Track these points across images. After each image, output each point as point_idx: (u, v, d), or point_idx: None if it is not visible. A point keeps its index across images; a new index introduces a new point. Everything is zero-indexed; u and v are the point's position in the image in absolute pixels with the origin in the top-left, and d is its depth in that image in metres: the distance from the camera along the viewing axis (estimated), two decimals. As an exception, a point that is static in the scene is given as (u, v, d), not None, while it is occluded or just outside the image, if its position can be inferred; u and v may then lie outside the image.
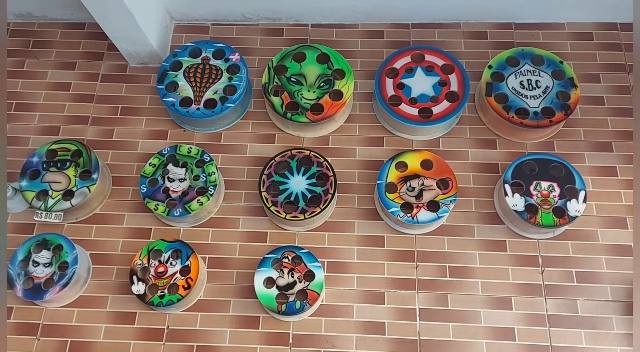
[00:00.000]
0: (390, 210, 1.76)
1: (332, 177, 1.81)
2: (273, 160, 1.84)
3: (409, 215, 1.75)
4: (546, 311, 1.72)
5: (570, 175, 1.78)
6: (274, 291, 1.67)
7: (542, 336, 1.69)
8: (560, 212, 1.74)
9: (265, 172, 1.82)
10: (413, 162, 1.83)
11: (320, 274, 1.69)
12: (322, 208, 1.76)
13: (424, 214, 1.76)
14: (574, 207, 1.73)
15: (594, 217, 1.82)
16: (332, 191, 1.79)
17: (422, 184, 1.80)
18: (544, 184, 1.78)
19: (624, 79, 2.01)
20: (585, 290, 1.74)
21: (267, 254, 1.72)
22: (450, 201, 1.77)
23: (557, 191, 1.76)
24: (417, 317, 1.73)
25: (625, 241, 1.78)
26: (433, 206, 1.77)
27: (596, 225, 1.81)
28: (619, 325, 1.69)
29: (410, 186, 1.80)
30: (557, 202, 1.75)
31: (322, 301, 1.75)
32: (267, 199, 1.78)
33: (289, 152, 1.86)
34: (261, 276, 1.68)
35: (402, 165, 1.83)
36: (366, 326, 1.72)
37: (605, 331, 1.68)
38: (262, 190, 1.79)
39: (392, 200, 1.78)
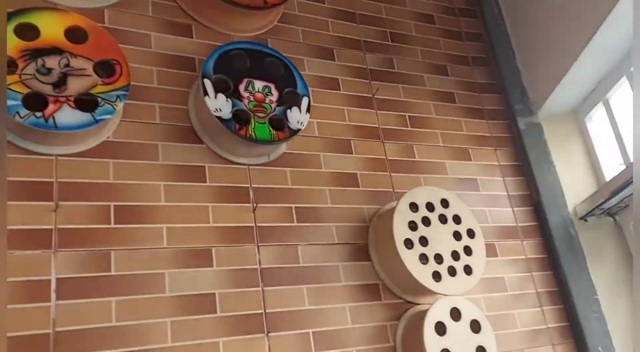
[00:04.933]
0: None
1: None
2: None
3: (39, 114, 0.98)
4: (259, 264, 1.19)
5: (291, 76, 1.31)
6: None
7: (254, 300, 1.15)
8: (279, 123, 1.24)
9: None
10: (51, 27, 1.06)
11: None
12: None
13: (69, 115, 1.01)
14: (296, 117, 1.26)
15: (315, 138, 1.40)
16: None
17: (67, 65, 1.04)
18: (258, 84, 1.25)
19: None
20: (306, 232, 1.28)
21: None
22: (118, 96, 1.07)
23: (275, 94, 1.26)
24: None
25: (350, 168, 1.41)
26: (86, 103, 1.04)
27: (318, 148, 1.39)
28: (346, 275, 1.28)
29: (43, 66, 1.02)
30: (275, 109, 1.24)
31: None
32: None
33: None
34: None
35: (29, 30, 1.04)
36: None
37: (329, 284, 1.25)
38: None
39: (9, 87, 0.97)
